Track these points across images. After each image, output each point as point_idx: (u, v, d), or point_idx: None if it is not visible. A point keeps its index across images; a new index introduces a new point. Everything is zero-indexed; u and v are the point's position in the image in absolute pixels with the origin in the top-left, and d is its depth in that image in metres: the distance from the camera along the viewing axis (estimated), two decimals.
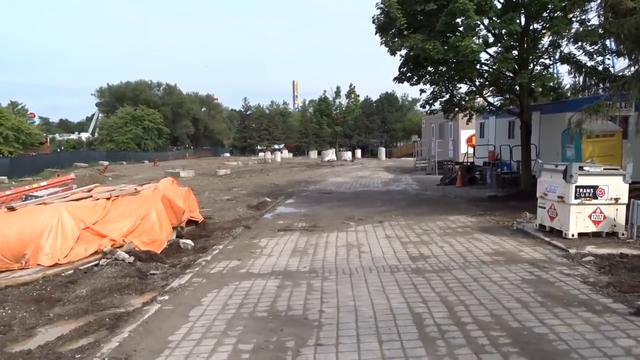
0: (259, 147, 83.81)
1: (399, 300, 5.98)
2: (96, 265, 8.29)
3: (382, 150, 54.13)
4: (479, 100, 17.21)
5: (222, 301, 6.26)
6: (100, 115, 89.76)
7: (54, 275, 7.75)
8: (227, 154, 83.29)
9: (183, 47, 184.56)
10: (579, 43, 13.44)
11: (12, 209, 9.03)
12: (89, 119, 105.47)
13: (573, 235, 8.71)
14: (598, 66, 14.14)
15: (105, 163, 46.70)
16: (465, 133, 25.90)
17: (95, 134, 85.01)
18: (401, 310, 5.62)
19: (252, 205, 15.69)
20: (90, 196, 10.19)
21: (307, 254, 8.81)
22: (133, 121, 72.34)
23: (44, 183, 15.05)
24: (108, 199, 9.83)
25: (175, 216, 10.37)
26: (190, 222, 11.49)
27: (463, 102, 16.53)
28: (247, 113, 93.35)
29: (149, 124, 73.58)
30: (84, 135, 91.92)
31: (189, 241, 10.07)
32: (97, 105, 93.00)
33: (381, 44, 13.81)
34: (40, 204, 9.79)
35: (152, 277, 7.71)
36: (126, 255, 8.42)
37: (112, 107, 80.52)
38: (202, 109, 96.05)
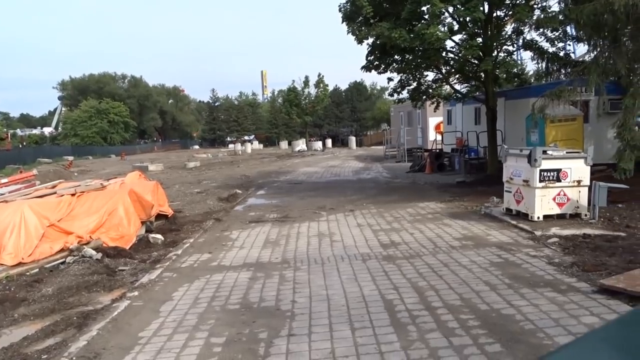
0: (228, 139, 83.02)
1: (370, 287, 6.03)
2: (62, 263, 8.11)
3: (353, 139, 54.26)
4: (446, 87, 17.40)
5: (193, 295, 6.21)
6: (63, 109, 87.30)
7: (18, 274, 7.55)
8: (197, 146, 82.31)
9: (148, 38, 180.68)
10: (541, 30, 13.72)
11: None
12: (52, 113, 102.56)
13: (538, 217, 8.92)
14: (559, 52, 14.48)
15: (71, 158, 45.59)
16: (433, 120, 26.18)
17: (59, 128, 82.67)
18: (373, 297, 5.67)
19: (222, 197, 15.56)
20: (55, 192, 9.93)
21: (279, 244, 8.79)
22: (98, 115, 70.63)
23: (4, 180, 14.57)
24: (73, 195, 9.59)
25: (143, 211, 10.19)
26: (159, 216, 11.32)
27: (430, 90, 16.67)
28: (216, 104, 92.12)
29: (115, 117, 71.99)
30: (47, 130, 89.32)
31: (158, 236, 9.93)
32: (59, 98, 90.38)
33: (348, 33, 13.79)
34: (1, 202, 9.48)
35: (121, 273, 7.59)
36: (93, 252, 8.25)
37: (76, 100, 78.36)
38: (170, 101, 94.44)
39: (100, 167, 37.12)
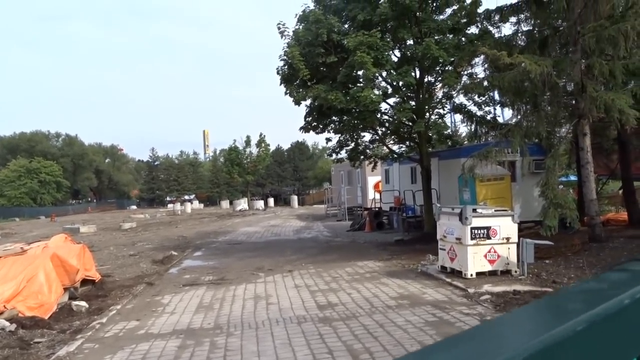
0: (168, 199, 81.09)
1: (304, 352, 5.83)
2: None
3: (295, 198, 54.39)
4: (383, 148, 17.93)
5: None
6: None
7: None
8: (134, 207, 79.63)
9: (84, 96, 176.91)
10: (469, 95, 14.54)
11: None
12: None
13: (472, 275, 9.09)
14: (487, 115, 15.33)
15: None
16: (372, 179, 26.73)
17: None
18: None
19: (157, 259, 14.94)
20: None
21: (212, 309, 8.44)
22: (28, 174, 67.36)
23: None
24: None
25: (67, 276, 9.56)
26: (86, 281, 10.65)
27: (368, 150, 17.13)
28: (155, 164, 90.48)
29: (46, 176, 68.87)
30: None
31: (82, 303, 9.29)
32: None
33: (286, 94, 14.10)
34: None
35: (36, 345, 6.97)
36: (7, 323, 7.58)
37: (4, 159, 74.55)
38: (107, 160, 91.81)
39: (27, 230, 34.99)
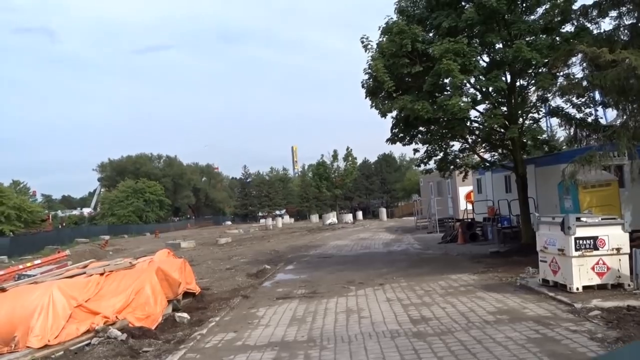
0: (260, 214, 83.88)
1: None
2: (88, 344, 8.02)
3: (383, 210, 54.02)
4: (474, 156, 17.33)
5: None
6: (101, 189, 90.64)
7: (43, 357, 7.47)
8: (229, 222, 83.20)
9: (183, 119, 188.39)
10: (566, 96, 13.67)
11: (2, 289, 8.86)
12: (91, 194, 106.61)
13: (577, 288, 8.46)
14: (587, 118, 14.32)
15: (107, 237, 46.51)
16: (463, 190, 25.91)
17: (97, 208, 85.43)
18: None
19: (251, 273, 15.43)
20: (84, 272, 10.03)
21: (305, 322, 8.54)
22: (134, 194, 72.82)
23: (38, 261, 14.87)
24: (102, 274, 9.65)
25: (170, 289, 10.15)
26: (187, 294, 11.24)
27: (457, 160, 16.62)
28: (248, 180, 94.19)
29: (150, 196, 74.03)
30: (86, 211, 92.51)
31: (184, 314, 9.80)
32: (98, 180, 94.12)
33: (371, 107, 14.07)
34: (32, 283, 9.60)
35: (144, 354, 7.44)
36: (119, 333, 8.16)
37: (114, 181, 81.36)
38: (203, 179, 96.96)
39: (134, 246, 37.67)
